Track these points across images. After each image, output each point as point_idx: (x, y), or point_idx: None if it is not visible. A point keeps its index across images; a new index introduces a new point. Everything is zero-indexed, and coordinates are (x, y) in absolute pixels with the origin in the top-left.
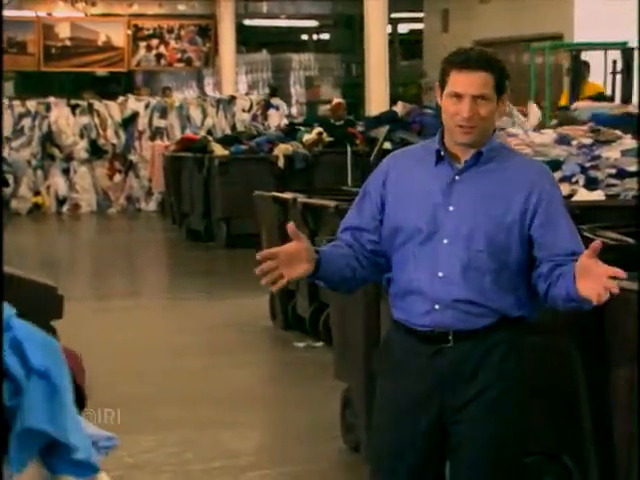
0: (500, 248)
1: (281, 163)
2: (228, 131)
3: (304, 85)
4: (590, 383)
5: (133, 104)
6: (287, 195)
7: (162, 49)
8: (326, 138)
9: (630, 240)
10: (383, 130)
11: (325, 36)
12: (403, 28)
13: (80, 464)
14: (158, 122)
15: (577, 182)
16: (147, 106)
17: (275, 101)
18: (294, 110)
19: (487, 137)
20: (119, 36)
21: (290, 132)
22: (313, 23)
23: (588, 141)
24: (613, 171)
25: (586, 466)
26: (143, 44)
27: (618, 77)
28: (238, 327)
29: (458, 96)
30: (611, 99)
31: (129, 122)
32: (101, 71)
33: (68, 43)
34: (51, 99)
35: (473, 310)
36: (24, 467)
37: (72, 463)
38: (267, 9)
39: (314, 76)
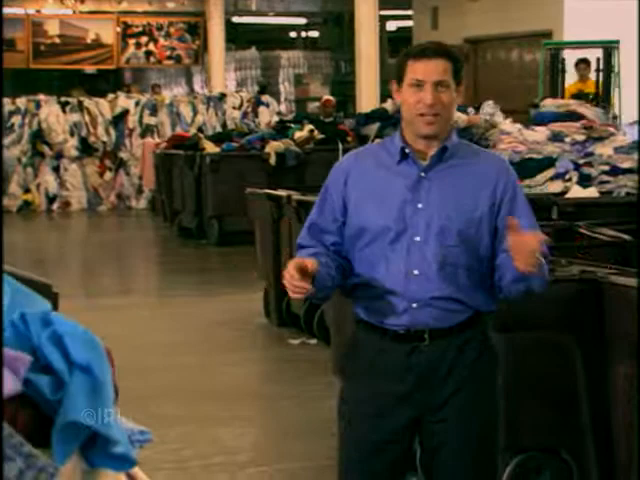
0: (472, 243)
1: (272, 160)
2: (219, 128)
3: (293, 83)
4: (589, 379)
5: (123, 102)
6: (281, 192)
7: (151, 46)
8: (317, 135)
9: (626, 237)
10: (374, 127)
11: (314, 33)
12: (391, 25)
13: (118, 457)
14: (148, 120)
15: (570, 179)
16: (137, 103)
17: (265, 98)
18: (283, 107)
19: (448, 130)
20: (108, 33)
21: (281, 129)
22: (302, 20)
23: (581, 138)
24: (606, 168)
25: (585, 462)
26: (132, 41)
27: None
28: (232, 324)
29: (419, 85)
30: (595, 96)
31: (119, 119)
32: (90, 69)
33: (57, 40)
34: (41, 96)
35: (450, 307)
36: (66, 460)
37: (110, 456)
38: (256, 6)
39: (303, 73)
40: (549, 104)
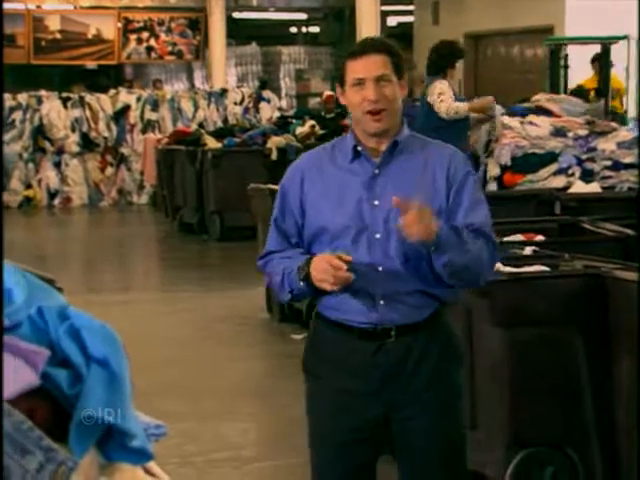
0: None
1: (274, 156)
2: (220, 124)
3: (294, 78)
4: (593, 374)
5: (124, 97)
6: None
7: (152, 42)
8: (318, 131)
9: (629, 232)
10: None
11: (315, 29)
12: (392, 21)
13: (135, 451)
14: (150, 115)
15: (573, 174)
16: (139, 99)
17: (266, 94)
18: (284, 103)
19: (397, 124)
20: (109, 29)
21: (282, 125)
22: (303, 16)
23: (584, 133)
24: (609, 163)
25: (589, 457)
26: (133, 37)
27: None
28: (235, 320)
29: (360, 83)
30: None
31: (120, 115)
32: (91, 64)
33: (58, 36)
34: (42, 92)
35: (417, 302)
36: (84, 454)
37: (127, 450)
38: (257, 2)
39: (304, 69)
40: (536, 99)
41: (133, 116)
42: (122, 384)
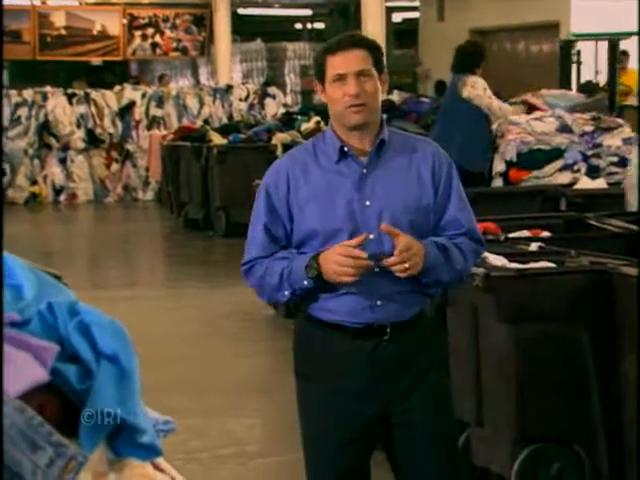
0: (422, 230)
1: (279, 152)
2: (225, 120)
3: (299, 74)
4: (600, 370)
5: (130, 93)
6: None
7: (157, 38)
8: (324, 127)
9: (635, 228)
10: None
11: (320, 25)
12: (397, 17)
13: (145, 447)
14: (155, 111)
15: (579, 170)
16: (144, 95)
17: (272, 90)
18: (289, 99)
19: (378, 119)
20: (114, 25)
21: (287, 121)
22: (308, 12)
23: (589, 129)
24: (615, 159)
25: (596, 453)
26: (138, 33)
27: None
28: (240, 316)
29: (341, 78)
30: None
31: (126, 111)
32: (96, 60)
33: (63, 32)
34: (48, 88)
35: (411, 300)
36: (93, 449)
37: (137, 446)
38: None
39: (309, 65)
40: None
41: (138, 112)
42: (132, 380)
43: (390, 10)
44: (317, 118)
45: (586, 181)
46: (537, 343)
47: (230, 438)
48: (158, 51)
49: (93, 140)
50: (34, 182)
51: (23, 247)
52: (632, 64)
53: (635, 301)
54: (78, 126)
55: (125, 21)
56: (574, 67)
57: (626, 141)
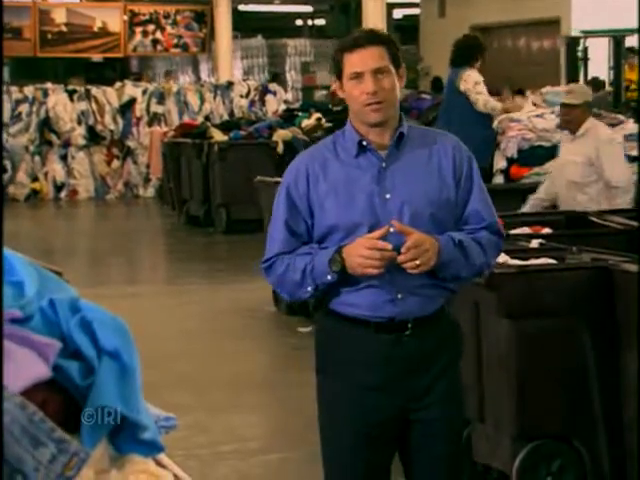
0: (443, 223)
1: (280, 149)
2: (226, 117)
3: (300, 71)
4: (601, 366)
5: (130, 90)
6: None
7: (158, 35)
8: (325, 124)
9: (636, 224)
10: None
11: (321, 21)
12: (398, 13)
13: (147, 443)
14: (156, 108)
15: None
16: (145, 92)
17: (273, 87)
18: (290, 96)
19: (397, 115)
20: (115, 22)
21: (289, 118)
22: (309, 8)
23: None
24: None
25: (596, 449)
26: (139, 30)
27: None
28: (242, 313)
29: (358, 76)
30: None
31: (127, 108)
32: (97, 57)
33: (64, 29)
34: (48, 85)
35: (433, 293)
36: (96, 446)
37: (139, 442)
38: None
39: (310, 62)
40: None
41: (139, 109)
42: (133, 376)
43: (391, 6)
44: (318, 114)
45: None
46: (538, 339)
47: (231, 434)
48: (159, 48)
49: (94, 137)
50: (35, 179)
51: (24, 244)
52: None
53: (636, 298)
54: (79, 123)
55: (126, 18)
56: (581, 64)
57: (628, 137)
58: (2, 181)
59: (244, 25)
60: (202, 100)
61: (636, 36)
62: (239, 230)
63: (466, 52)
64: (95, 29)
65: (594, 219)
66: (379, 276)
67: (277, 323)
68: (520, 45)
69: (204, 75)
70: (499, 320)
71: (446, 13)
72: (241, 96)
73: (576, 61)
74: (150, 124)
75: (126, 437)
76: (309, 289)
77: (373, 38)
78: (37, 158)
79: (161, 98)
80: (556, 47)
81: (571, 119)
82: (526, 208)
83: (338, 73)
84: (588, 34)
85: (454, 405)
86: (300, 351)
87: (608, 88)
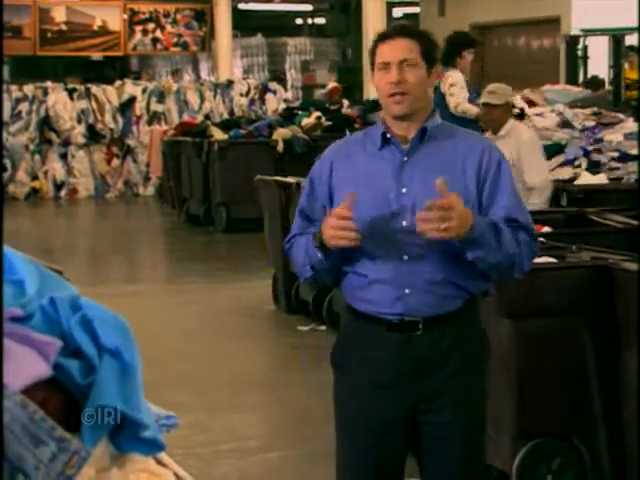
0: None
1: (280, 147)
2: (226, 116)
3: (300, 69)
4: (601, 365)
5: (130, 89)
6: (290, 179)
7: (158, 33)
8: (325, 122)
9: (636, 223)
10: (381, 114)
11: (321, 20)
12: (397, 12)
13: (147, 442)
14: (155, 107)
15: (580, 166)
16: (144, 91)
17: (272, 85)
18: (289, 94)
19: (424, 111)
20: (115, 20)
21: (289, 116)
22: (308, 7)
23: (591, 124)
24: (615, 154)
25: (596, 448)
26: (139, 28)
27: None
28: (241, 312)
29: (385, 66)
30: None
31: (126, 107)
32: (97, 55)
33: (64, 27)
34: (48, 83)
35: (445, 292)
36: (96, 445)
37: (139, 440)
38: None
39: (310, 60)
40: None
41: (139, 108)
42: (134, 375)
43: (391, 5)
44: (318, 113)
45: (587, 176)
46: (538, 338)
47: (231, 433)
48: (159, 46)
49: (94, 135)
50: (35, 177)
51: (24, 242)
52: None
53: (636, 296)
54: (79, 121)
55: (126, 16)
56: (581, 62)
57: (627, 136)
58: (2, 180)
59: (244, 24)
60: (202, 99)
61: (636, 35)
62: (239, 229)
63: (448, 51)
64: (95, 28)
65: (594, 218)
66: (385, 271)
67: (277, 322)
68: (520, 44)
69: (204, 74)
70: (499, 319)
71: (446, 12)
72: (241, 95)
73: (576, 60)
74: (150, 123)
75: (127, 436)
76: (308, 268)
77: (404, 30)
78: (37, 157)
79: (161, 97)
80: (556, 46)
81: (493, 119)
82: None
83: (372, 64)
84: (588, 33)
85: (468, 409)
86: (300, 350)
87: (608, 87)
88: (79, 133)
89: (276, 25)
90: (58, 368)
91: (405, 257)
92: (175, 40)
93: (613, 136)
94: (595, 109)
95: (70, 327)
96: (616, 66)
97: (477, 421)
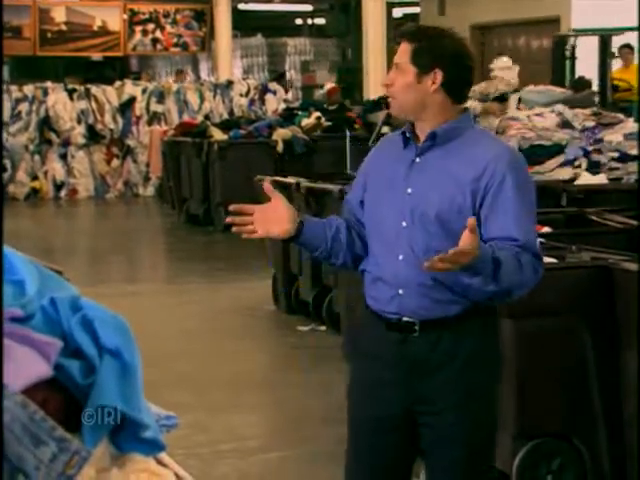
0: (454, 229)
1: (280, 148)
2: (226, 116)
3: (300, 70)
4: (600, 365)
5: (130, 89)
6: (290, 180)
7: (158, 34)
8: (324, 122)
9: (636, 223)
10: (381, 114)
11: (321, 20)
12: (397, 12)
13: (148, 442)
14: (155, 107)
15: (580, 166)
16: (144, 91)
17: (272, 86)
18: (289, 95)
19: (427, 114)
20: (115, 21)
21: (288, 117)
22: (308, 7)
23: (591, 124)
24: (615, 155)
25: (596, 448)
26: (139, 29)
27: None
28: (241, 312)
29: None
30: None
31: (126, 107)
32: (96, 56)
33: (64, 28)
34: (48, 84)
35: (440, 296)
36: (97, 445)
37: (140, 441)
38: None
39: (310, 61)
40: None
41: (139, 108)
42: (134, 375)
43: (391, 5)
44: (318, 113)
45: (587, 177)
46: (538, 338)
47: (231, 433)
48: (159, 47)
49: (94, 136)
50: (35, 178)
51: (24, 243)
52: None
53: (636, 296)
54: (79, 122)
55: (125, 16)
56: (570, 62)
57: (627, 136)
58: (2, 180)
59: (244, 24)
60: (202, 99)
61: (627, 34)
62: None
63: None
64: (95, 28)
65: (594, 218)
66: (383, 270)
67: (277, 322)
68: (520, 44)
69: (204, 74)
70: (499, 319)
71: (446, 12)
72: (241, 95)
73: (563, 60)
74: (150, 123)
75: (127, 436)
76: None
77: (405, 33)
78: (37, 157)
79: (161, 97)
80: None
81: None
82: None
83: None
84: (579, 33)
85: (470, 412)
86: (300, 350)
87: (595, 88)
88: (79, 133)
89: (276, 25)
90: (58, 368)
91: (400, 257)
92: (175, 40)
93: (613, 136)
94: (595, 110)
95: (70, 327)
96: (602, 67)
97: (481, 424)
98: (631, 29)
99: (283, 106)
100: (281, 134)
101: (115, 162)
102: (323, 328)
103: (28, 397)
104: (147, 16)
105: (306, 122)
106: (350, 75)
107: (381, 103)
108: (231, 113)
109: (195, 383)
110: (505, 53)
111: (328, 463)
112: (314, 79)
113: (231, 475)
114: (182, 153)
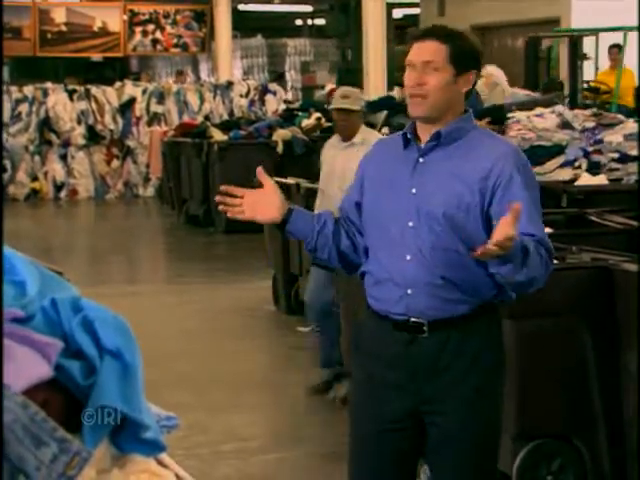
0: (462, 228)
1: (280, 148)
2: (226, 116)
3: (299, 70)
4: (601, 366)
5: (130, 89)
6: (290, 180)
7: (158, 34)
8: (324, 123)
9: (636, 224)
10: (381, 115)
11: (320, 21)
12: (397, 13)
13: (148, 443)
14: (155, 108)
15: (580, 166)
16: (144, 91)
17: (272, 86)
18: (289, 95)
19: (452, 115)
20: (115, 21)
21: (288, 117)
22: (308, 8)
23: (591, 125)
24: (615, 155)
25: (597, 448)
26: (139, 29)
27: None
28: (241, 312)
29: (410, 66)
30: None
31: (126, 108)
32: (96, 56)
33: (64, 28)
34: (48, 85)
35: (448, 296)
36: (97, 446)
37: (140, 441)
38: None
39: (310, 61)
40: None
41: (139, 109)
42: (135, 375)
43: (391, 6)
44: (318, 114)
45: (587, 177)
46: (539, 339)
47: (231, 434)
48: (159, 47)
49: (94, 136)
50: (35, 178)
51: (24, 243)
52: (628, 62)
53: (636, 297)
54: (79, 122)
55: (125, 17)
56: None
57: (627, 137)
58: (2, 181)
59: (244, 25)
60: (202, 100)
61: (617, 33)
62: (239, 229)
63: None
64: (95, 29)
65: (594, 219)
66: (391, 270)
67: (277, 322)
68: (520, 44)
69: (204, 75)
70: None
71: (446, 12)
72: (241, 96)
73: (536, 61)
74: (150, 124)
75: (128, 436)
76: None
77: (435, 33)
78: (37, 158)
79: (161, 98)
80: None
81: (349, 125)
82: None
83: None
84: (555, 34)
85: (476, 412)
86: (299, 351)
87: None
88: (79, 134)
89: (276, 26)
90: (59, 369)
91: (408, 257)
92: (175, 41)
93: (613, 137)
94: (594, 110)
95: (71, 328)
96: (573, 68)
97: (488, 422)
98: (631, 29)
99: (283, 107)
100: (281, 135)
101: (115, 163)
102: None
103: (29, 398)
104: (147, 17)
105: (306, 123)
106: (350, 76)
107: (383, 103)
108: (231, 114)
109: (195, 383)
110: (505, 53)
111: (328, 463)
112: (314, 80)
113: (231, 476)
114: (182, 154)
